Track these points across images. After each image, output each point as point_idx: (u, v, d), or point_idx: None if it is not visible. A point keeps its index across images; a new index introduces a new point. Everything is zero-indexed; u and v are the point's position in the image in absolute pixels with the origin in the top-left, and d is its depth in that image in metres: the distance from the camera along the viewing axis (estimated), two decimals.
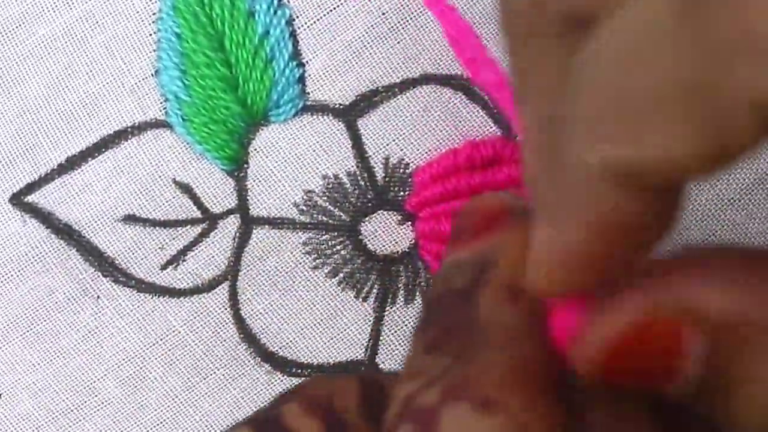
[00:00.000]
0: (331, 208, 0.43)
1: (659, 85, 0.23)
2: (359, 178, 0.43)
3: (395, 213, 0.43)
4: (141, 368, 0.44)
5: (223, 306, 0.44)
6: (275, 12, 0.43)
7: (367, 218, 0.43)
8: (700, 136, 0.23)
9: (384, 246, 0.43)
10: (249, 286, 0.44)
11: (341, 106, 0.43)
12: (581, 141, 0.25)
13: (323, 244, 0.43)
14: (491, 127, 0.43)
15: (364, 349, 0.43)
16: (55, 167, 0.43)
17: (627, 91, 0.24)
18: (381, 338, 0.43)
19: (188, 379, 0.44)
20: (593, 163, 0.25)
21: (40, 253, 0.43)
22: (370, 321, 0.43)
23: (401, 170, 0.43)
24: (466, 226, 0.32)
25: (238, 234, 0.44)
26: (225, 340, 0.44)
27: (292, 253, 0.43)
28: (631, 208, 0.25)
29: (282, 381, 0.43)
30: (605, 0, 0.25)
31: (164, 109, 0.43)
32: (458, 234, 0.32)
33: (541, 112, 0.28)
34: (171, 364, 0.44)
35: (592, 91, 0.24)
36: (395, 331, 0.43)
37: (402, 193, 0.43)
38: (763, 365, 0.27)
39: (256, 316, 0.44)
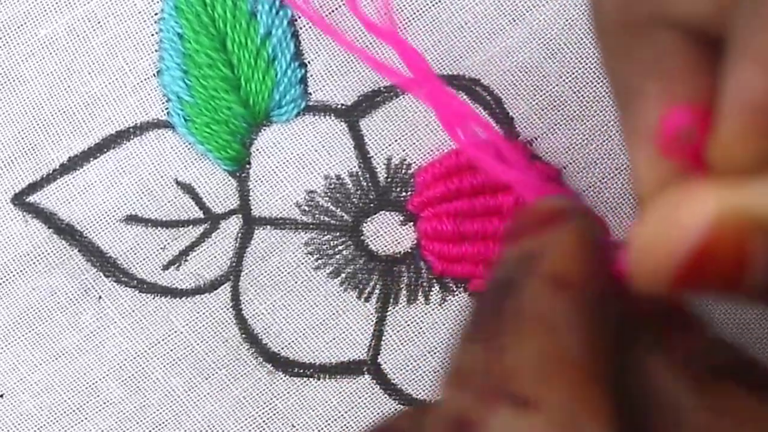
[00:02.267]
0: (333, 209, 0.43)
1: None
2: (361, 178, 0.43)
3: (397, 213, 0.43)
4: (143, 368, 0.44)
5: (225, 306, 0.44)
6: (277, 12, 0.43)
7: (369, 218, 0.43)
8: None
9: (386, 246, 0.43)
10: (251, 286, 0.44)
11: (343, 107, 0.43)
12: None
13: (325, 245, 0.43)
14: (493, 127, 0.43)
15: (366, 350, 0.43)
16: (57, 167, 0.43)
17: None
18: (383, 338, 0.43)
19: (190, 379, 0.44)
20: None
21: (42, 253, 0.43)
22: (372, 321, 0.43)
23: (403, 170, 0.43)
24: (518, 227, 0.31)
25: (240, 234, 0.44)
26: (227, 341, 0.44)
27: (294, 253, 0.44)
28: None
29: (284, 381, 0.43)
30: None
31: (166, 109, 0.43)
32: (509, 234, 0.31)
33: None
34: (173, 365, 0.44)
35: None
36: (397, 331, 0.43)
37: (404, 194, 0.43)
38: None
39: (258, 316, 0.44)
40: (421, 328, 0.43)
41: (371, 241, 0.43)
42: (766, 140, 0.26)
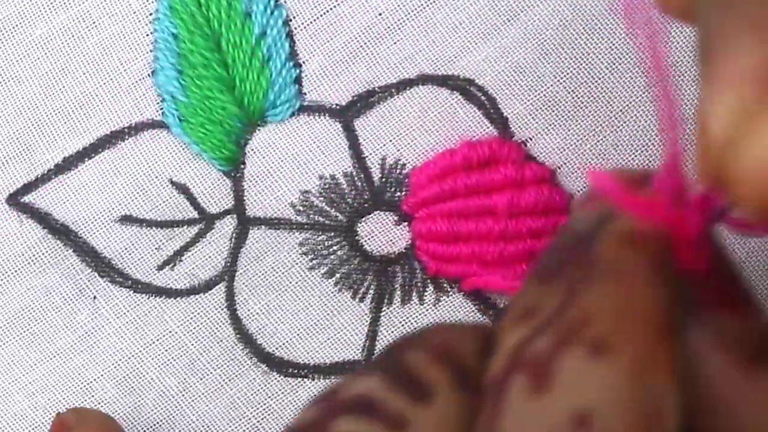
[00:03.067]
0: (328, 209, 0.43)
1: None
2: (356, 178, 0.43)
3: (392, 213, 0.43)
4: (137, 369, 0.44)
5: (220, 306, 0.44)
6: (272, 12, 0.43)
7: (363, 219, 0.43)
8: None
9: (380, 246, 0.43)
10: (246, 286, 0.44)
11: (338, 107, 0.43)
12: None
13: (320, 245, 0.43)
14: (488, 128, 0.43)
15: (360, 350, 0.43)
16: (52, 167, 0.43)
17: None
18: (377, 339, 0.43)
19: (185, 379, 0.44)
20: None
21: (37, 253, 0.43)
22: (366, 321, 0.43)
23: (398, 170, 0.43)
24: (595, 192, 0.32)
25: (234, 234, 0.44)
26: (221, 341, 0.44)
27: (288, 253, 0.44)
28: None
29: (279, 381, 0.43)
30: None
31: (161, 109, 0.43)
32: (587, 198, 0.32)
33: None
34: (167, 365, 0.44)
35: None
36: (392, 332, 0.43)
37: (399, 194, 0.43)
38: None
39: (253, 316, 0.44)
40: (415, 329, 0.43)
41: (366, 241, 0.43)
42: None
